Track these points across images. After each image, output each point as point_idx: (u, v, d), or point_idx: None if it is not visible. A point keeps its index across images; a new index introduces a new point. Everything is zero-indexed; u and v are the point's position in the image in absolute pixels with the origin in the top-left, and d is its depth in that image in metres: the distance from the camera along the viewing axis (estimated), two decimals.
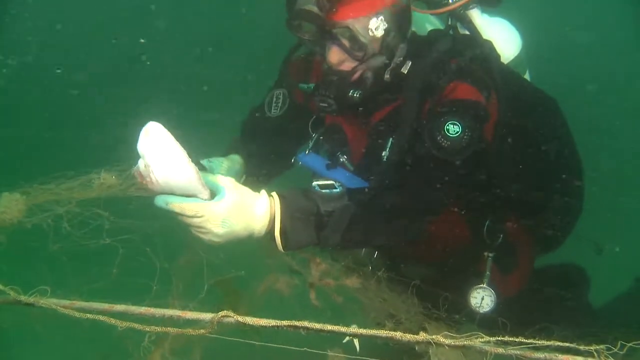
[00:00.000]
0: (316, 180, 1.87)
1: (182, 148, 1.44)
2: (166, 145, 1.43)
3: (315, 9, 1.80)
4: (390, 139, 2.00)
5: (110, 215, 1.55)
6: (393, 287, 2.03)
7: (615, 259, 3.21)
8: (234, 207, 1.56)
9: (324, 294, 1.87)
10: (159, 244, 1.66)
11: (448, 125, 1.83)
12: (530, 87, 2.37)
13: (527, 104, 2.22)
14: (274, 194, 1.68)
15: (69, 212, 1.48)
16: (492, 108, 2.00)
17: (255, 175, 2.24)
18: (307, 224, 1.70)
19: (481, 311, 2.11)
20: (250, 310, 1.64)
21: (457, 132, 1.82)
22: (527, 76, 2.51)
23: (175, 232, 1.60)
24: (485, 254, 2.20)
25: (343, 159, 2.19)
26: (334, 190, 1.85)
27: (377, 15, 1.87)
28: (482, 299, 2.12)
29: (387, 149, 2.00)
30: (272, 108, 2.28)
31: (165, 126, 1.44)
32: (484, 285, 2.14)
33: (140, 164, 1.50)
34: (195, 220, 1.53)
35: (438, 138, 1.83)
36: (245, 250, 1.73)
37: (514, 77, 2.26)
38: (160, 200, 1.53)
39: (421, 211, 1.89)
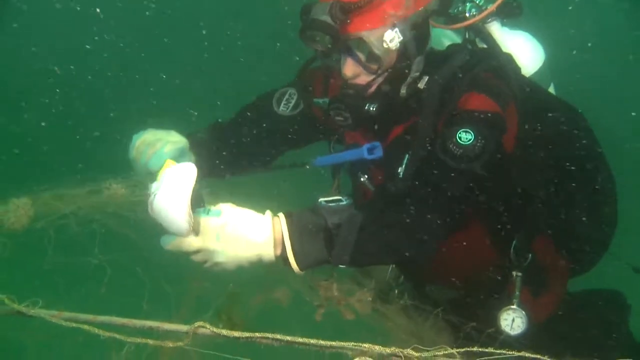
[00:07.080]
0: (322, 197, 1.82)
1: (189, 206, 1.45)
2: (181, 192, 1.45)
3: (329, 20, 1.75)
4: (407, 155, 1.93)
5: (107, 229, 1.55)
6: (418, 309, 1.99)
7: None
8: (229, 230, 1.55)
9: (330, 315, 1.79)
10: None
11: (460, 134, 1.77)
12: (553, 99, 2.28)
13: (549, 116, 2.13)
14: (279, 214, 1.64)
15: (74, 214, 1.49)
16: (511, 119, 1.92)
17: (223, 168, 2.16)
18: (316, 240, 1.63)
19: (512, 333, 1.99)
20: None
21: (470, 139, 1.75)
22: (552, 89, 2.41)
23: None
24: (514, 273, 2.10)
25: (364, 178, 2.12)
26: (341, 203, 1.79)
27: (392, 27, 1.81)
28: (512, 320, 2.01)
29: (404, 164, 1.93)
30: (282, 105, 2.21)
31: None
32: (514, 307, 2.04)
33: (154, 184, 1.52)
34: (198, 256, 1.56)
35: (450, 146, 1.76)
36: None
37: (534, 89, 2.17)
38: (161, 241, 1.56)
39: (434, 225, 1.78)
